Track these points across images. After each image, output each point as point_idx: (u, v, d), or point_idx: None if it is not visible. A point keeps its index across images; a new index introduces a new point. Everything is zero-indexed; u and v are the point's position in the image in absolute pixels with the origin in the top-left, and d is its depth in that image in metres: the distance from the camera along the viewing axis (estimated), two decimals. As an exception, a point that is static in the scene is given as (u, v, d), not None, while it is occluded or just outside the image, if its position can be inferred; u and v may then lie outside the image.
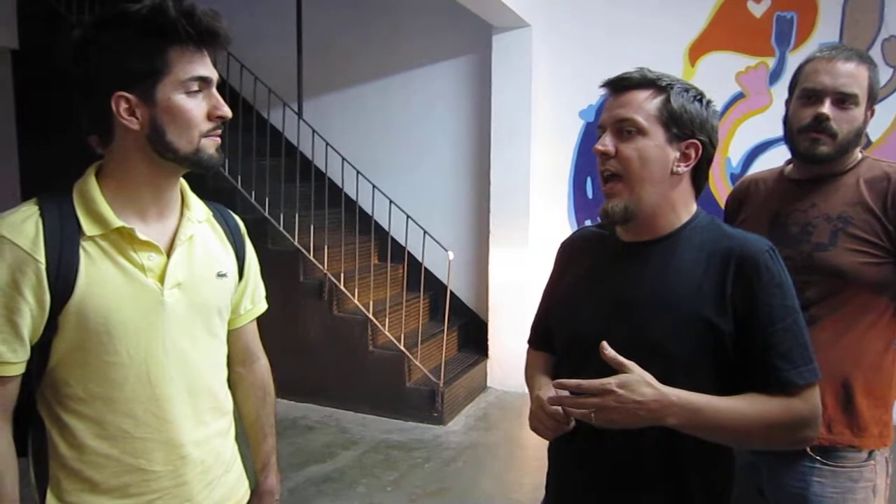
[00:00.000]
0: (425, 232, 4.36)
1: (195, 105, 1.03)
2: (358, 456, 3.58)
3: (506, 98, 4.49)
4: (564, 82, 4.52)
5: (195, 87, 1.03)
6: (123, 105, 1.01)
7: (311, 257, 4.27)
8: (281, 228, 4.33)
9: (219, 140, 1.08)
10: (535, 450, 3.83)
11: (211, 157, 1.06)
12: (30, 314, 0.99)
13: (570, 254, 1.33)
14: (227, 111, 1.07)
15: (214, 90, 1.06)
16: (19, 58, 5.48)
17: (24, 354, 1.00)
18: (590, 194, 4.63)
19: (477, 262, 4.82)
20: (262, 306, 1.35)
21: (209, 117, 1.05)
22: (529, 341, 1.37)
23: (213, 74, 1.06)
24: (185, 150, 1.04)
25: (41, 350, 1.02)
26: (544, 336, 1.32)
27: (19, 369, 1.01)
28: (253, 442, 1.36)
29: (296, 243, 4.29)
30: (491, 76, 4.54)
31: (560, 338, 1.26)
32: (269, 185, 4.48)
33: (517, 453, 3.82)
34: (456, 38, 4.84)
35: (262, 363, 1.37)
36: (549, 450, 1.28)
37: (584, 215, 4.67)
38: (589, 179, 4.62)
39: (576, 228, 4.60)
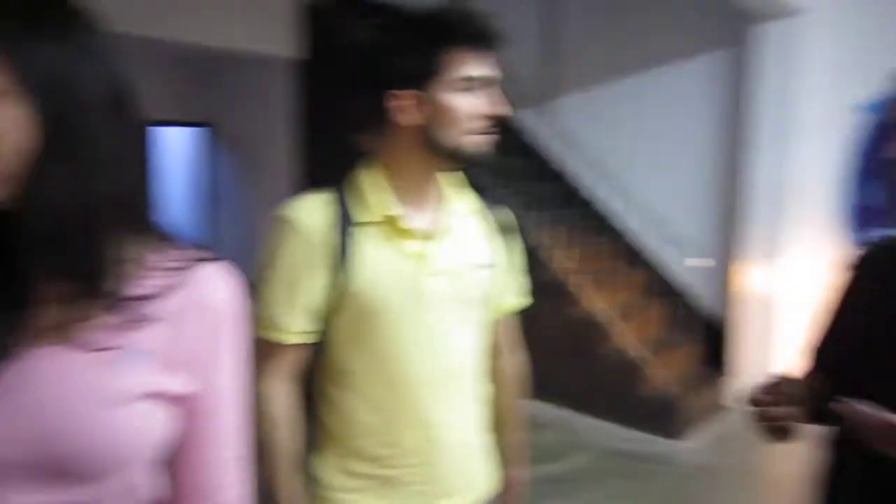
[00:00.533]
0: (669, 236, 4.16)
1: (466, 103, 1.08)
2: (588, 460, 3.53)
3: (765, 94, 4.11)
4: (836, 75, 4.02)
5: (468, 86, 1.08)
6: (400, 102, 1.09)
7: (549, 257, 4.30)
8: (521, 227, 4.40)
9: (490, 137, 1.11)
10: (780, 478, 3.47)
11: (477, 153, 1.10)
12: (312, 292, 1.10)
13: (869, 269, 1.16)
14: (500, 109, 1.10)
15: (493, 89, 1.11)
16: (307, 67, 6.21)
17: (303, 326, 1.12)
18: (861, 200, 4.07)
19: (722, 271, 4.49)
20: (523, 301, 1.37)
21: (480, 115, 1.09)
22: (807, 362, 1.22)
23: (491, 73, 1.10)
24: (451, 145, 1.09)
25: (319, 326, 1.14)
26: (829, 359, 1.17)
27: (299, 339, 1.13)
28: (502, 434, 1.38)
29: (534, 242, 4.35)
30: (747, 71, 4.19)
31: (852, 362, 1.11)
32: (508, 184, 4.59)
33: (759, 481, 3.49)
34: (707, 32, 4.55)
35: (518, 357, 1.39)
36: (818, 483, 1.14)
37: (860, 223, 4.10)
38: (861, 184, 4.06)
39: (847, 239, 4.10)
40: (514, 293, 1.34)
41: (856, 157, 4.07)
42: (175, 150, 8.67)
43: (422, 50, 1.08)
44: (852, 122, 4.03)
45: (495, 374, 1.36)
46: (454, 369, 1.18)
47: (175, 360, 0.70)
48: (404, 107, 1.09)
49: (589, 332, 4.13)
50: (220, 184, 8.11)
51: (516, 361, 1.39)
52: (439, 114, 1.08)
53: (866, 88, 3.88)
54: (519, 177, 4.83)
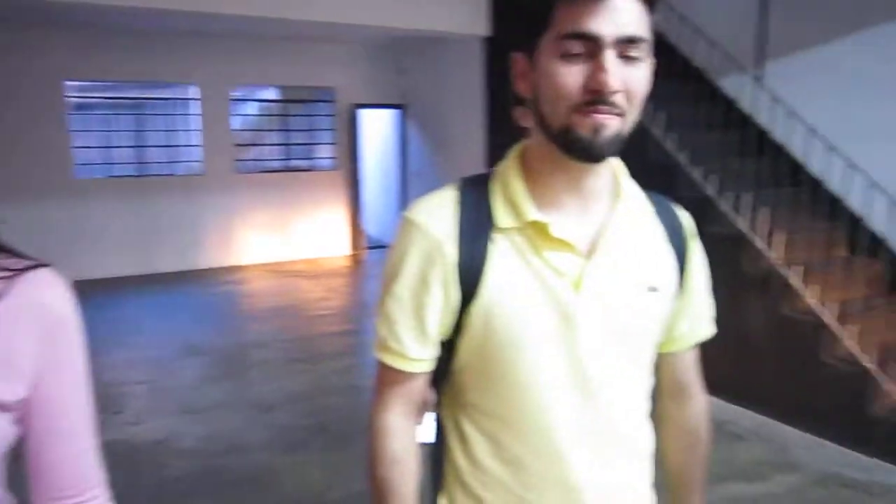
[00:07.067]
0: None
1: (568, 71, 0.79)
2: (796, 484, 3.00)
3: None
4: None
5: (575, 48, 0.79)
6: (517, 68, 0.87)
7: (760, 244, 3.73)
8: (726, 209, 3.88)
9: (602, 119, 0.80)
10: None
11: (582, 139, 0.81)
12: (437, 310, 0.90)
13: None
14: (605, 81, 0.78)
15: (609, 53, 0.78)
16: (492, 45, 6.10)
17: (431, 351, 0.93)
18: None
19: None
20: (706, 331, 1.05)
21: (586, 89, 0.79)
22: None
23: (610, 32, 0.78)
24: (554, 126, 0.82)
25: (448, 349, 0.93)
26: None
27: (426, 366, 0.94)
28: (674, 495, 1.10)
29: (742, 226, 3.80)
30: None
31: None
32: (716, 161, 4.07)
33: None
34: None
35: (698, 402, 1.08)
36: None
37: None
38: None
39: None
40: (696, 321, 1.03)
41: None
42: (374, 130, 9.06)
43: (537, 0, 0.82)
44: None
45: (666, 421, 1.08)
46: (611, 419, 0.91)
47: (7, 365, 0.74)
48: (521, 73, 0.86)
49: (809, 333, 3.52)
50: (413, 161, 8.33)
51: (694, 407, 1.08)
52: (542, 82, 0.82)
53: None
54: (733, 152, 4.28)
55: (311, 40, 7.50)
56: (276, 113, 8.35)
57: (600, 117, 0.80)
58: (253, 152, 8.16)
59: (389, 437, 0.94)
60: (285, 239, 7.93)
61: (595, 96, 0.79)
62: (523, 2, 0.84)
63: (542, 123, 0.85)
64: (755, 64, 4.58)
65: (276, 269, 7.53)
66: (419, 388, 0.95)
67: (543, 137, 0.87)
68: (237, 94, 7.86)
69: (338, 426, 3.57)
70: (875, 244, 3.77)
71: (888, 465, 3.14)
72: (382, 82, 8.12)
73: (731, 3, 4.64)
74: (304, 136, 8.27)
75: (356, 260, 8.13)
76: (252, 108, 8.43)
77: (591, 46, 0.79)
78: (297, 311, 5.96)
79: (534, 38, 0.83)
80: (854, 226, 3.98)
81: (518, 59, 0.86)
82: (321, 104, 8.10)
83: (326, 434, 3.49)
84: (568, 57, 0.80)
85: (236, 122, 7.84)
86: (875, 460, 3.19)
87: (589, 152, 0.82)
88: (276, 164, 8.20)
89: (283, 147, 8.26)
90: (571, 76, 0.80)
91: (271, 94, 8.39)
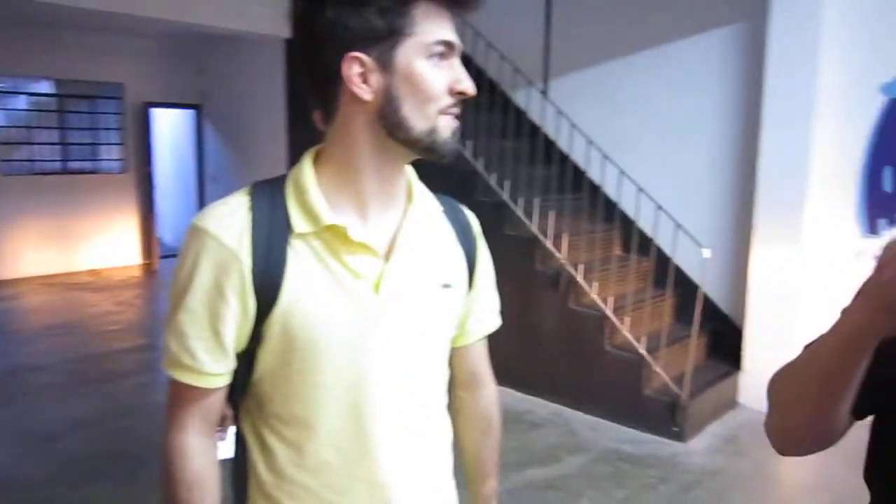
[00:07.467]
0: (676, 224, 3.90)
1: (437, 75, 0.85)
2: (585, 464, 3.31)
3: (784, 71, 3.82)
4: (861, 51, 3.73)
5: (440, 52, 0.85)
6: (357, 69, 0.84)
7: (549, 245, 4.06)
8: (519, 213, 4.17)
9: (456, 121, 0.88)
10: (796, 485, 3.25)
11: (446, 141, 0.87)
12: (233, 321, 0.87)
13: None
14: (470, 86, 0.86)
15: (458, 61, 0.87)
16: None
17: (228, 365, 0.90)
18: (888, 187, 3.80)
19: (735, 260, 4.23)
20: (494, 323, 1.13)
21: (450, 91, 0.86)
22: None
23: (458, 41, 0.87)
24: (419, 128, 0.85)
25: (245, 360, 0.91)
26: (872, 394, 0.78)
27: (223, 381, 0.91)
28: (471, 481, 1.16)
29: (534, 229, 4.10)
30: (763, 47, 3.89)
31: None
32: (510, 168, 4.35)
33: (772, 488, 3.26)
34: (718, 4, 4.26)
35: (489, 390, 1.16)
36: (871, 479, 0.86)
37: (879, 212, 3.84)
38: (889, 169, 3.79)
39: (865, 226, 3.85)
40: (485, 314, 1.10)
41: (873, 142, 3.79)
42: (167, 131, 8.51)
43: (388, 4, 0.82)
44: (872, 104, 3.75)
45: (461, 411, 1.13)
46: (414, 413, 0.95)
47: None
48: (362, 74, 0.84)
49: (593, 325, 3.90)
50: (210, 163, 7.95)
51: (486, 396, 1.15)
52: (406, 86, 0.84)
53: (889, 68, 3.61)
54: (524, 160, 4.59)
55: (95, 30, 6.84)
56: (52, 109, 7.51)
57: (456, 119, 0.88)
58: (23, 152, 7.26)
59: (186, 457, 0.90)
60: (66, 248, 7.16)
61: (459, 98, 0.86)
62: (372, 6, 0.82)
63: (400, 126, 0.85)
64: (542, 78, 4.97)
65: (56, 283, 6.78)
66: (216, 403, 0.92)
67: (377, 141, 0.87)
68: (2, 86, 6.96)
69: (134, 450, 3.30)
70: (644, 243, 4.25)
71: (659, 439, 3.57)
72: (178, 80, 7.63)
73: (520, 20, 4.99)
74: (86, 135, 7.52)
75: (149, 269, 7.57)
76: (22, 103, 7.49)
77: (447, 53, 0.85)
78: (82, 327, 5.42)
79: (393, 40, 0.83)
80: (627, 227, 4.46)
81: (360, 60, 0.84)
82: (107, 101, 7.43)
83: (121, 460, 3.21)
84: (434, 60, 0.85)
85: (1, 118, 6.93)
86: (646, 434, 3.61)
87: (450, 152, 0.88)
88: (52, 166, 7.37)
89: (60, 147, 7.45)
90: (441, 79, 0.85)
91: (46, 87, 7.53)
